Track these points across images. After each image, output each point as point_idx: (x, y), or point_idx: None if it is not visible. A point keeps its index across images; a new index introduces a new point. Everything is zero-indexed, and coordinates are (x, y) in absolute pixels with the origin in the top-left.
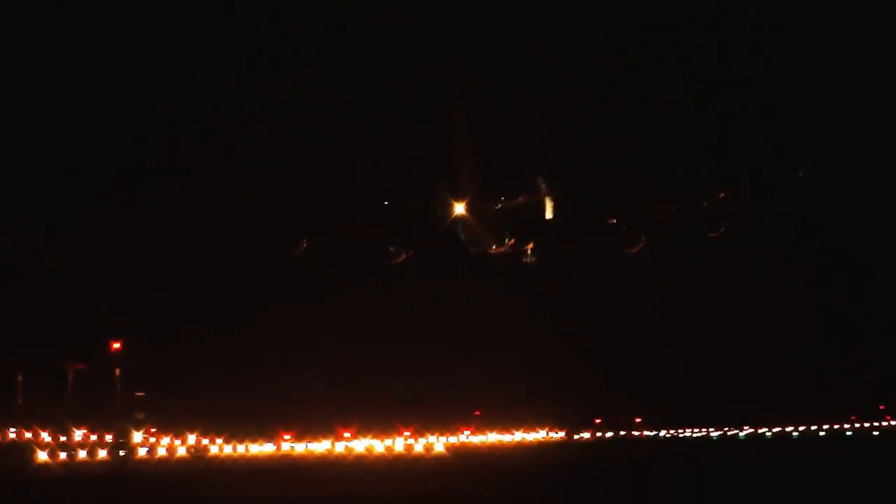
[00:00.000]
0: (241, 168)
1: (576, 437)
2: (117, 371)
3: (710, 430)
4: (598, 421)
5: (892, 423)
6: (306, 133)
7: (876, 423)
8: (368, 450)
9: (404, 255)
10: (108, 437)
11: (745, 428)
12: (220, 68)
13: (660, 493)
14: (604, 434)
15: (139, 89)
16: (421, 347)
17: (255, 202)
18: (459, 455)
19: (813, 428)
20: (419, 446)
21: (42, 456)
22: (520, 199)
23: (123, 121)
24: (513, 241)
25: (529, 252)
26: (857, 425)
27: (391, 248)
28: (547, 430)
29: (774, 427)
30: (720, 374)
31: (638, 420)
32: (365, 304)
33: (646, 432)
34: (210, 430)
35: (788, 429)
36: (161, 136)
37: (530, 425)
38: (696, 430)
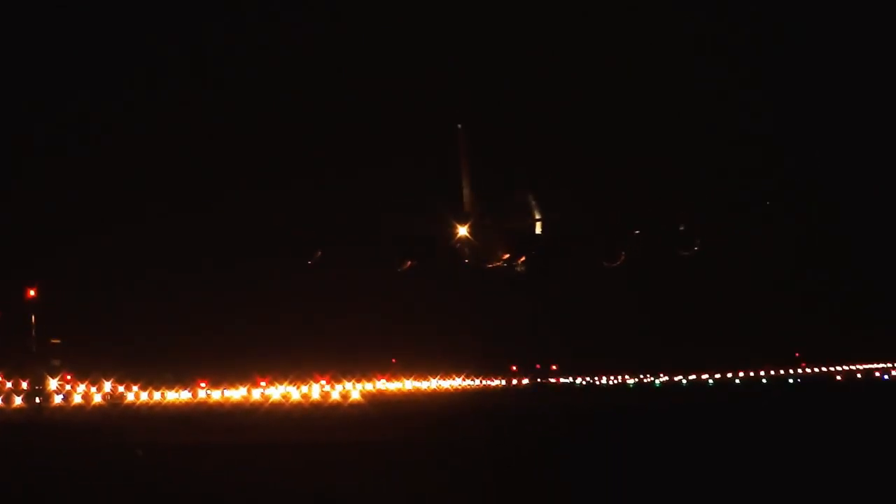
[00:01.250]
0: (167, 120)
1: (490, 383)
2: (33, 318)
3: (627, 377)
4: (513, 368)
5: (808, 370)
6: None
7: (791, 371)
8: (285, 397)
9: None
10: (24, 385)
11: (661, 375)
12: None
13: (568, 434)
14: (519, 381)
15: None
16: (337, 297)
17: (176, 155)
18: (375, 402)
19: (729, 375)
20: (336, 394)
21: None
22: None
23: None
24: (507, 255)
25: (520, 264)
26: (772, 373)
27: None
28: (463, 377)
29: (690, 375)
30: (644, 322)
31: (554, 367)
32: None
33: (562, 379)
34: (126, 378)
35: (704, 376)
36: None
37: (446, 372)
38: (612, 378)
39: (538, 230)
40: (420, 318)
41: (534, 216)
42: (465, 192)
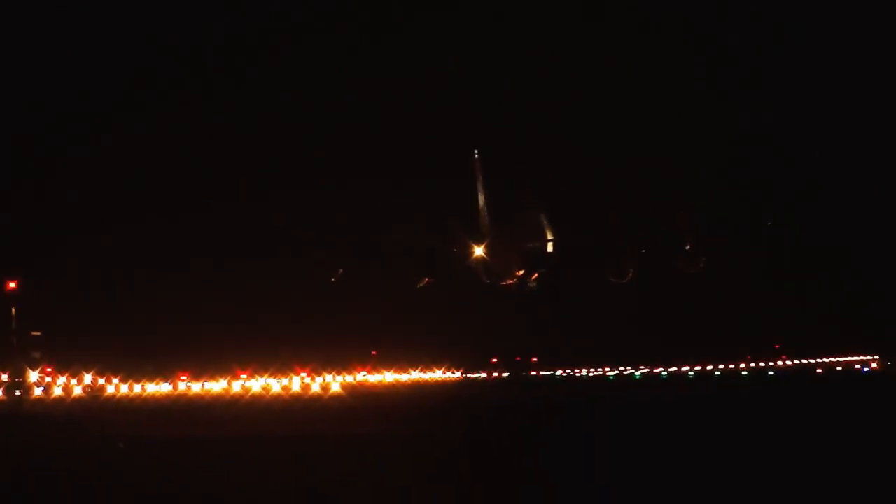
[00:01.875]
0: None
1: (472, 376)
2: (13, 310)
3: (607, 369)
4: (494, 360)
5: (788, 362)
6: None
7: (771, 363)
8: (265, 389)
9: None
10: (4, 377)
11: (641, 367)
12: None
13: (551, 426)
14: (500, 373)
15: None
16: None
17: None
18: (356, 394)
19: (709, 368)
20: (316, 386)
21: None
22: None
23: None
24: (521, 273)
25: (533, 281)
26: (752, 365)
27: None
28: (444, 369)
29: (670, 367)
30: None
31: (534, 360)
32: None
33: (542, 372)
34: (107, 370)
35: (684, 369)
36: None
37: (427, 365)
38: (592, 370)
39: (549, 248)
40: (401, 309)
41: (545, 236)
42: (482, 214)
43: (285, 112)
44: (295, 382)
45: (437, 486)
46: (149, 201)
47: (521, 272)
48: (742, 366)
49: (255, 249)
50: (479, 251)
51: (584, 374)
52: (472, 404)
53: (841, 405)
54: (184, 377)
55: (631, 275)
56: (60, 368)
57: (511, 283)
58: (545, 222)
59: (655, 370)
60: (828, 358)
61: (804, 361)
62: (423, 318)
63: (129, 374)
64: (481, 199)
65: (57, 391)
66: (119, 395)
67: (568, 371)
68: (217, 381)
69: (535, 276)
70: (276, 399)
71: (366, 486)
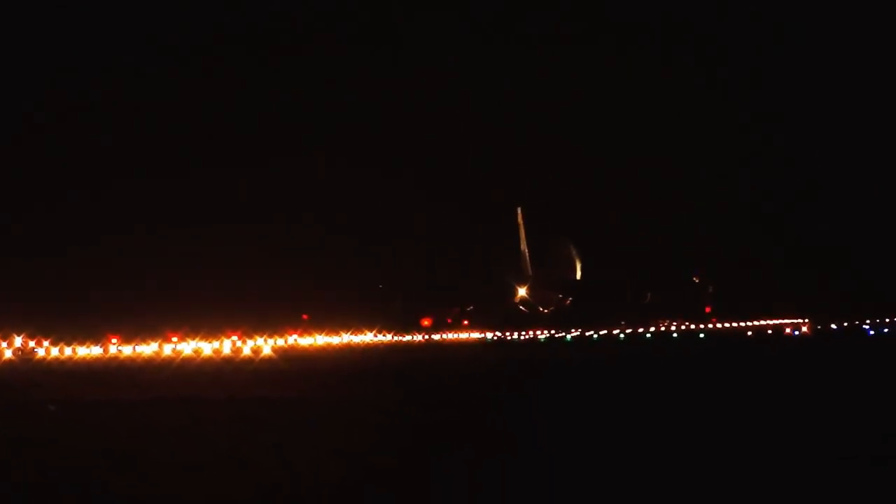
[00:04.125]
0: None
1: (405, 338)
2: None
3: (539, 332)
4: (425, 323)
5: (717, 325)
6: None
7: (702, 325)
8: (196, 352)
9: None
10: None
11: (573, 330)
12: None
13: (481, 385)
14: (430, 336)
15: None
16: (250, 252)
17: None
18: (287, 357)
19: (640, 330)
20: (247, 349)
21: None
22: (561, 269)
23: None
24: (557, 301)
25: (567, 306)
26: (683, 327)
27: None
28: (375, 332)
29: (601, 329)
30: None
31: (466, 322)
32: (200, 209)
33: (474, 334)
34: (37, 333)
35: (615, 332)
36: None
37: (358, 328)
38: (523, 333)
39: (578, 276)
40: (332, 273)
41: (576, 266)
42: (525, 259)
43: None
44: (226, 345)
45: (369, 446)
46: (81, 168)
47: (557, 301)
48: (673, 328)
49: (202, 218)
50: (522, 291)
51: (516, 336)
52: (402, 368)
53: (764, 366)
54: (114, 340)
55: (649, 297)
56: None
57: (548, 311)
58: (576, 254)
59: (587, 333)
60: (759, 321)
61: (735, 325)
62: (347, 275)
63: (60, 338)
64: (524, 247)
65: None
66: (50, 358)
67: (499, 334)
68: (148, 344)
69: (569, 301)
70: (208, 362)
71: (297, 447)
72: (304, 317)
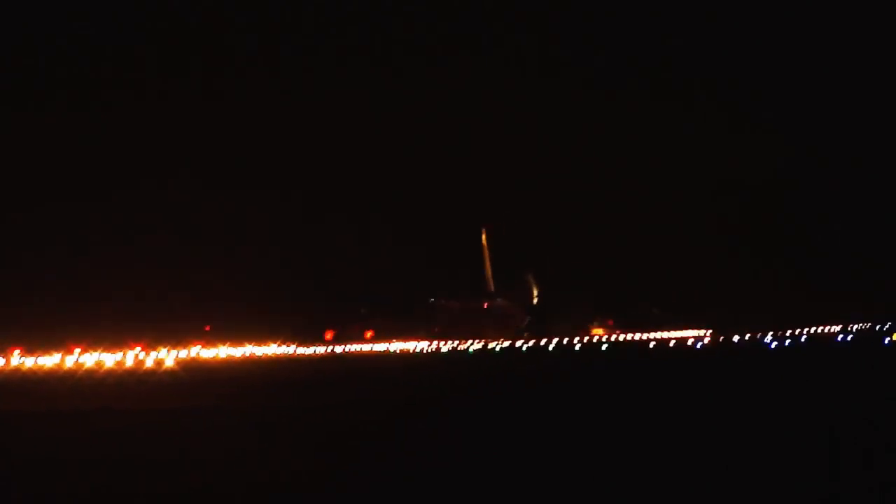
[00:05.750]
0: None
1: (308, 350)
2: None
3: (441, 344)
4: (328, 337)
5: (620, 338)
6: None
7: (606, 337)
8: (98, 364)
9: None
10: None
11: (475, 343)
12: None
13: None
14: (333, 349)
15: None
16: (154, 261)
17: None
18: (189, 369)
19: (542, 343)
20: (150, 361)
21: None
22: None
23: None
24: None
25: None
26: (585, 340)
27: None
28: (279, 343)
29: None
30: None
31: (369, 334)
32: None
33: (376, 347)
34: None
35: (518, 343)
36: None
37: (261, 339)
38: (428, 346)
39: (535, 301)
40: (236, 284)
41: (533, 292)
42: (488, 277)
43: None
44: (129, 357)
45: (273, 456)
46: None
47: (513, 321)
48: (576, 340)
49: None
50: (489, 305)
51: (419, 349)
52: (308, 380)
53: (665, 378)
54: (17, 352)
55: (597, 321)
56: None
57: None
58: (533, 280)
59: (488, 346)
60: (663, 332)
61: (637, 338)
62: (258, 295)
63: None
64: (488, 266)
65: None
66: None
67: (402, 346)
68: (51, 355)
69: (526, 322)
70: (110, 374)
71: (200, 455)
72: (207, 328)
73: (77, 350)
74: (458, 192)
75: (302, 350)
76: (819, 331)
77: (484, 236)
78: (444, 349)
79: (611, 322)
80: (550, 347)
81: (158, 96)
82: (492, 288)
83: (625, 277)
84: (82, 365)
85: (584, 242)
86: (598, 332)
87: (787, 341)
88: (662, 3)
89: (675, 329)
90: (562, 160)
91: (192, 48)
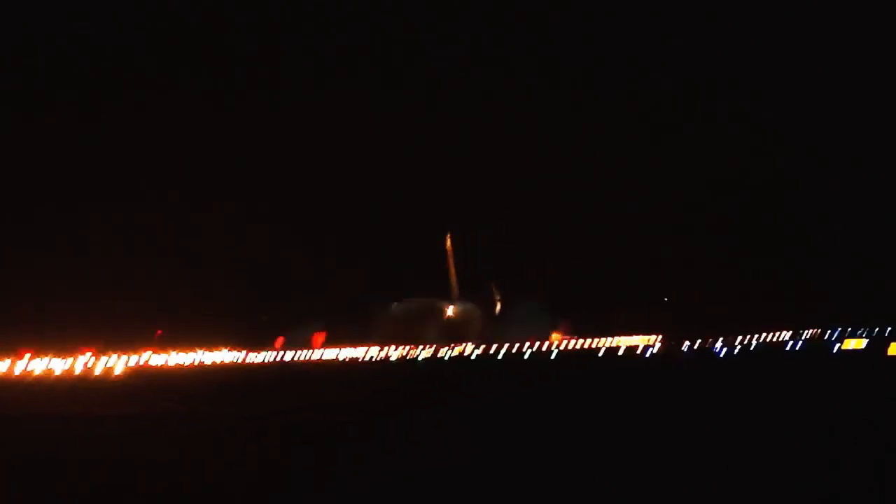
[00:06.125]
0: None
1: (255, 358)
2: None
3: (390, 352)
4: (278, 343)
5: (570, 345)
6: None
7: (555, 344)
8: (47, 372)
9: None
10: None
11: (425, 352)
12: None
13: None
14: (283, 357)
15: None
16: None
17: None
18: (140, 376)
19: (492, 350)
20: (100, 367)
21: None
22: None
23: None
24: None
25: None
26: (535, 346)
27: None
28: (228, 349)
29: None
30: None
31: (321, 340)
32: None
33: (326, 354)
34: None
35: (467, 351)
36: None
37: (213, 345)
38: (378, 353)
39: (497, 310)
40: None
41: (495, 300)
42: (452, 282)
43: None
44: (79, 363)
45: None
46: None
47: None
48: (525, 347)
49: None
50: (449, 311)
51: (370, 357)
52: (259, 385)
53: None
54: None
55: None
56: None
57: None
58: (495, 290)
59: (464, 353)
60: (613, 337)
61: (588, 345)
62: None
63: None
64: (451, 271)
65: None
66: None
67: (353, 353)
68: (1, 360)
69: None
70: (60, 380)
71: (151, 461)
72: (158, 332)
73: (27, 355)
74: (427, 193)
75: (252, 357)
76: (771, 338)
77: (448, 241)
78: (393, 357)
79: (568, 328)
80: (499, 356)
81: (158, 95)
82: (455, 293)
83: (595, 282)
84: (31, 372)
85: (584, 243)
86: (556, 339)
87: (736, 349)
88: (662, 3)
89: (637, 335)
90: (561, 160)
91: (192, 48)
